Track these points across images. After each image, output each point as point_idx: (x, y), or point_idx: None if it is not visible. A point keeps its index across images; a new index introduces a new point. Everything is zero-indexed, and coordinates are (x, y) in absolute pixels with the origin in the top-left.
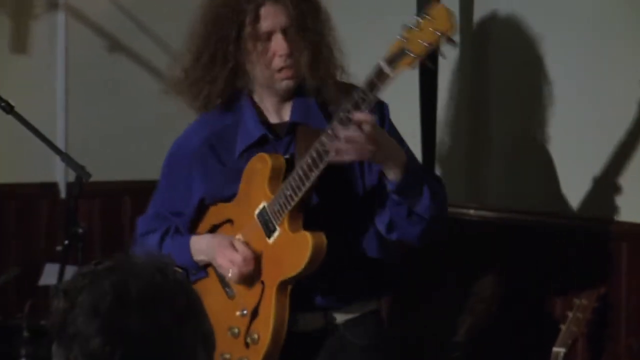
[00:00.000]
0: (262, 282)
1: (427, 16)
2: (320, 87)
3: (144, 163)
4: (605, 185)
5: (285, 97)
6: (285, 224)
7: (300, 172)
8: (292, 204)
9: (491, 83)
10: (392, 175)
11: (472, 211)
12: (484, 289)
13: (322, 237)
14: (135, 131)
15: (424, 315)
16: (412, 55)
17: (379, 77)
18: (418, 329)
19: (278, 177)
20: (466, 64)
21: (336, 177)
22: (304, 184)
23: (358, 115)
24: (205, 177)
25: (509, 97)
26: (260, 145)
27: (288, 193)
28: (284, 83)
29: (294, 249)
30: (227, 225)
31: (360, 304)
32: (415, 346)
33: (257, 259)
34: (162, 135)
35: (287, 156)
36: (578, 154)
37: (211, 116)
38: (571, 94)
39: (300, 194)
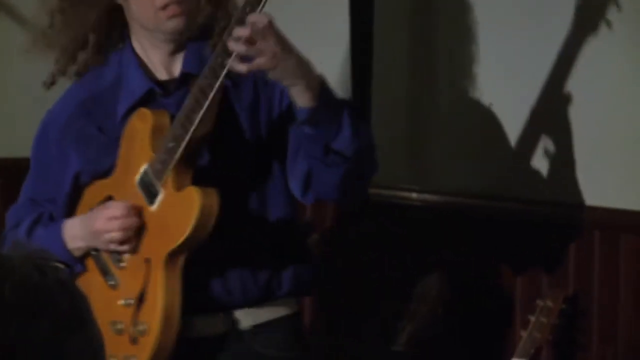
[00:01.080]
0: (148, 260)
1: None
2: (219, 29)
3: (17, 137)
4: (575, 164)
5: (175, 46)
6: (170, 184)
7: (188, 109)
8: (177, 154)
9: (440, 38)
10: (305, 100)
11: (414, 194)
12: (428, 288)
13: (213, 192)
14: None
15: (354, 320)
16: None
17: None
18: (347, 337)
19: (162, 134)
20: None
21: (231, 123)
22: (191, 123)
23: (254, 17)
24: (79, 150)
25: (461, 57)
26: (145, 104)
27: (170, 145)
28: (171, 23)
29: (179, 210)
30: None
31: (274, 305)
32: (343, 358)
33: (140, 231)
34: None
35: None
36: (542, 127)
37: (88, 77)
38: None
39: (186, 138)
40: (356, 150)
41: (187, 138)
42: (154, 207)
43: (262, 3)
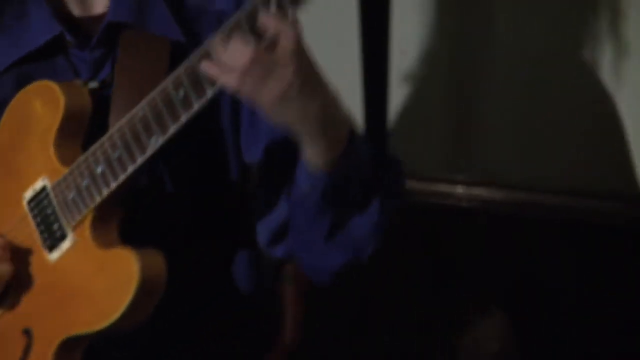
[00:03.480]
0: (27, 333)
1: None
2: None
3: None
4: None
5: None
6: (86, 230)
7: (138, 121)
8: (109, 189)
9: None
10: (317, 159)
11: (459, 188)
12: (489, 322)
13: (159, 261)
14: None
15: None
16: None
17: None
18: None
19: (77, 131)
20: None
21: (190, 144)
22: (141, 151)
23: (271, 21)
24: None
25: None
26: (46, 58)
27: (98, 169)
28: None
29: (101, 280)
30: None
31: None
32: None
33: (23, 287)
34: None
35: (94, 84)
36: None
37: None
38: None
39: (128, 170)
40: (375, 241)
41: (137, 165)
42: (52, 257)
43: None
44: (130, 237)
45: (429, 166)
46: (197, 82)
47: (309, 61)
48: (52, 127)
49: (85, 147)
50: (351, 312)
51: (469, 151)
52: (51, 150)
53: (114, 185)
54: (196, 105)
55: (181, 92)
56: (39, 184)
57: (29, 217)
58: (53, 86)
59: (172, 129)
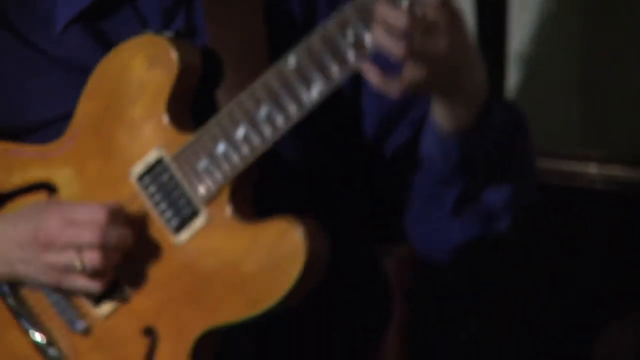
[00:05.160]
0: (150, 332)
1: None
2: None
3: None
4: None
5: None
6: (225, 203)
7: (292, 73)
8: (255, 153)
9: None
10: (451, 117)
11: (592, 167)
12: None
13: (320, 230)
14: None
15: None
16: None
17: None
18: None
19: (189, 93)
20: None
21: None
22: (298, 105)
23: None
24: None
25: None
26: (112, 8)
27: (241, 131)
28: None
29: (255, 258)
30: (38, 195)
31: None
32: None
33: (140, 277)
34: None
35: (169, 34)
36: None
37: None
38: None
39: (281, 129)
40: (514, 217)
41: (282, 129)
42: (180, 239)
43: None
44: (261, 212)
45: (555, 141)
46: (366, 16)
47: (463, 28)
48: (163, 90)
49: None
50: (468, 296)
51: (604, 123)
52: (163, 116)
53: (261, 148)
54: (369, 42)
55: (349, 33)
56: (151, 156)
57: (143, 195)
58: (161, 41)
59: (338, 75)
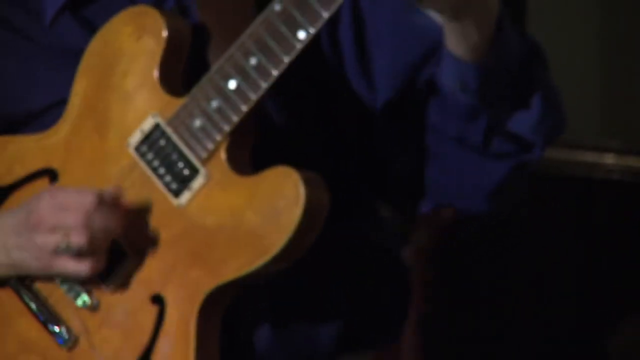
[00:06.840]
0: (158, 299)
1: None
2: None
3: None
4: None
5: None
6: (222, 160)
7: (277, 19)
8: (248, 104)
9: None
10: (467, 45)
11: (610, 157)
12: None
13: (318, 178)
14: None
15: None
16: None
17: None
18: None
19: (179, 60)
20: None
21: (314, 69)
22: (286, 50)
23: None
24: None
25: None
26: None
27: (233, 84)
28: None
29: (255, 208)
30: (40, 183)
31: None
32: None
33: (144, 247)
34: None
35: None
36: None
37: None
38: None
39: (273, 75)
40: (545, 139)
41: (274, 77)
42: (180, 202)
43: None
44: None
45: (574, 132)
46: None
47: None
48: (154, 56)
49: (185, 79)
50: (490, 285)
51: (623, 114)
52: (156, 82)
53: (254, 98)
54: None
55: None
56: (147, 123)
57: (141, 164)
58: (147, 10)
59: (324, 15)
